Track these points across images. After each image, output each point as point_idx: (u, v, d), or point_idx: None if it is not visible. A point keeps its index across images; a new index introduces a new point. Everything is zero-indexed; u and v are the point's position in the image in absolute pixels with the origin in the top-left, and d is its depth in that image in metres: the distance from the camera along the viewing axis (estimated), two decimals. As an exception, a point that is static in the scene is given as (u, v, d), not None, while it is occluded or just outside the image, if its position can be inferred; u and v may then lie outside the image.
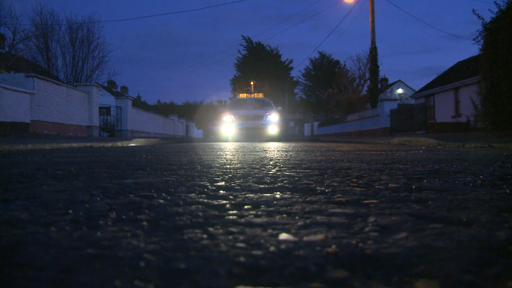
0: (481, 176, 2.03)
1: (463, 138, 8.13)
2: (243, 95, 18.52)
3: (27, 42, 21.58)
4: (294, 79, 50.88)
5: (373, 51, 22.57)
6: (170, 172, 2.35)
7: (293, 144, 10.08)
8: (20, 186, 1.72)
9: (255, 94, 19.15)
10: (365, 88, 27.99)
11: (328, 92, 31.84)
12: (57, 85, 13.66)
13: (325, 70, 41.85)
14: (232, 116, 15.26)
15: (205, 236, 0.92)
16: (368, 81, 24.69)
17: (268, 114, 15.31)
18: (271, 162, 3.20)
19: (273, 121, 15.23)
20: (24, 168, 2.62)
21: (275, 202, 1.36)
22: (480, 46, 13.29)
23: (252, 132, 15.12)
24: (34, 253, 0.78)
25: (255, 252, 0.80)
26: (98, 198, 1.42)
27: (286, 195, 1.50)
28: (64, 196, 1.46)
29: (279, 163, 3.13)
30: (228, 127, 15.25)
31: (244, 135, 15.23)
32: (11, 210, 1.20)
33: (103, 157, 4.08)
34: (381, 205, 1.29)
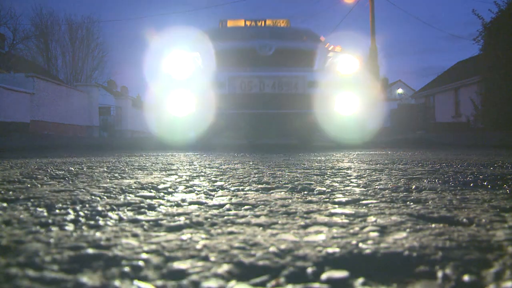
0: (481, 176, 2.03)
1: (463, 138, 8.14)
2: (237, 22, 6.97)
3: (27, 42, 21.65)
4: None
5: (373, 51, 22.60)
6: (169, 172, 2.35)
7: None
8: (20, 186, 1.72)
9: (268, 20, 7.10)
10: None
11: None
12: (57, 85, 13.67)
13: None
14: (199, 57, 4.54)
15: (204, 236, 0.92)
16: (368, 81, 24.71)
17: (331, 55, 4.70)
18: (271, 162, 3.20)
19: (354, 77, 4.75)
20: (24, 168, 2.62)
21: (274, 202, 1.36)
22: (480, 46, 13.32)
23: (271, 116, 4.62)
24: (35, 253, 0.78)
25: (254, 252, 0.80)
26: (99, 198, 1.42)
27: (286, 195, 1.50)
28: (65, 196, 1.46)
29: (280, 162, 3.13)
30: (180, 93, 4.52)
31: (244, 119, 4.74)
32: (11, 210, 1.20)
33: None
34: (381, 205, 1.29)
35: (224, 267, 0.71)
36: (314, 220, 1.08)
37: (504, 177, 1.99)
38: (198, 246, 0.84)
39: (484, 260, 0.74)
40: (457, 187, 1.67)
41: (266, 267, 0.72)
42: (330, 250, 0.81)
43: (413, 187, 1.68)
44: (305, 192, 1.59)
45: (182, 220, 1.09)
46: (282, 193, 1.58)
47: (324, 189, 1.66)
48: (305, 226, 1.01)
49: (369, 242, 0.86)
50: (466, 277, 0.65)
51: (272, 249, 0.82)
